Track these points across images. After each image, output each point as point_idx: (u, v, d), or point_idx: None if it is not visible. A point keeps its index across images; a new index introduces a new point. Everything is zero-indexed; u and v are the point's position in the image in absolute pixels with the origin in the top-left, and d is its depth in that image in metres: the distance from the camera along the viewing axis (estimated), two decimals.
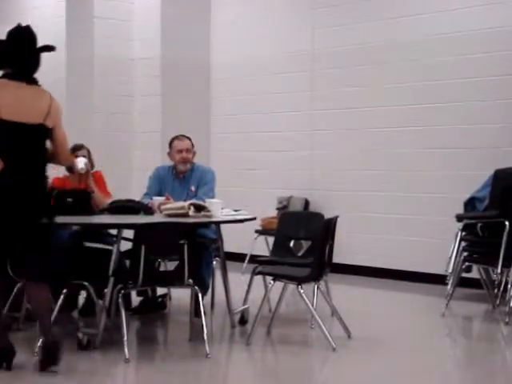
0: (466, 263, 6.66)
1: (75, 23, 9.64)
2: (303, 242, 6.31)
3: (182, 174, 6.48)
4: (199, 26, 9.82)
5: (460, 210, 6.97)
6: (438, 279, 7.19)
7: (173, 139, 6.54)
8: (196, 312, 5.48)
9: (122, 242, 5.47)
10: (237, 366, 5.34)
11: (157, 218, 5.78)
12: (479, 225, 6.61)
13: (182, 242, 5.15)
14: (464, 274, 6.82)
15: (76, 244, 6.07)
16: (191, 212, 5.62)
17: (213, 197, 6.23)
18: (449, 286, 6.69)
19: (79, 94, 9.64)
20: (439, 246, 7.37)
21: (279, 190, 9.04)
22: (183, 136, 6.54)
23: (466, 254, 6.67)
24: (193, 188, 6.41)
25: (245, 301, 6.04)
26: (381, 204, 8.29)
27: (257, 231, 8.51)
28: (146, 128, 9.67)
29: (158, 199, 6.09)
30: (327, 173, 8.77)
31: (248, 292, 6.00)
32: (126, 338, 5.00)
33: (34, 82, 4.88)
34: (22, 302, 5.66)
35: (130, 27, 9.67)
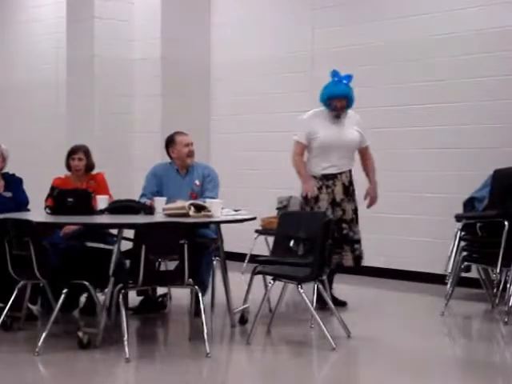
0: (466, 263, 6.67)
1: (75, 23, 9.65)
2: (303, 242, 6.31)
3: (186, 169, 6.53)
4: (199, 26, 9.83)
5: (460, 210, 6.98)
6: (438, 279, 7.20)
7: (173, 135, 6.59)
8: (196, 312, 5.50)
9: (123, 241, 5.49)
10: (237, 365, 5.36)
11: (157, 217, 5.79)
12: (478, 225, 6.62)
13: (181, 241, 5.16)
14: (463, 274, 6.83)
15: (76, 244, 6.09)
16: (191, 212, 5.64)
17: (216, 195, 6.29)
18: (448, 286, 6.70)
19: (80, 94, 9.65)
20: (439, 246, 7.38)
21: (279, 189, 9.03)
22: (182, 132, 6.62)
23: (465, 253, 6.68)
24: (197, 182, 6.47)
25: (245, 300, 6.05)
26: (381, 204, 8.28)
27: (257, 231, 8.51)
28: (146, 128, 9.67)
29: (159, 200, 6.09)
30: None
31: (248, 291, 6.01)
32: (126, 338, 5.02)
33: None
34: (22, 302, 5.68)
35: (130, 27, 9.67)
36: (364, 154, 6.86)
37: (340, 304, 6.58)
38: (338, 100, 6.57)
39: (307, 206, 6.62)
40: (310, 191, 6.55)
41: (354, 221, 6.63)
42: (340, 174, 6.62)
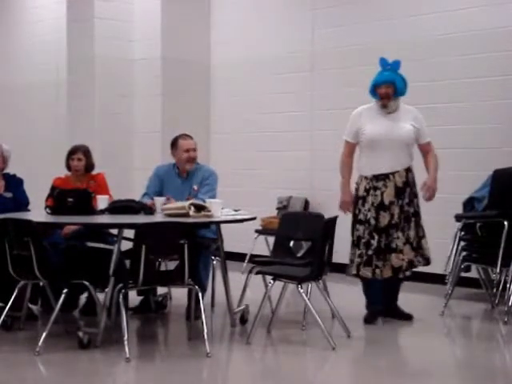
0: (465, 263, 6.68)
1: (76, 23, 9.66)
2: (303, 243, 6.32)
3: (186, 173, 6.50)
4: (199, 25, 9.84)
5: (460, 210, 6.98)
6: (438, 279, 7.21)
7: (177, 138, 6.55)
8: (195, 312, 5.51)
9: (123, 241, 5.49)
10: (237, 365, 5.36)
11: (157, 217, 5.80)
12: (478, 224, 6.63)
13: (181, 241, 5.16)
14: (463, 274, 6.83)
15: (76, 244, 6.10)
16: (191, 212, 5.64)
17: (213, 197, 6.26)
18: (448, 286, 6.71)
19: (80, 94, 9.66)
20: (439, 246, 7.36)
21: (279, 189, 9.05)
22: (186, 135, 6.57)
23: (464, 253, 6.69)
24: (195, 187, 6.45)
25: (240, 301, 6.05)
26: None
27: (257, 231, 8.52)
28: (146, 128, 9.68)
29: (159, 199, 6.10)
30: (327, 173, 8.76)
31: (244, 292, 6.02)
32: (126, 338, 5.02)
33: None
34: (23, 302, 5.68)
35: (131, 27, 9.68)
36: (424, 150, 6.24)
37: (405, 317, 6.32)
38: (382, 87, 6.09)
39: (350, 208, 6.18)
40: (344, 209, 6.14)
41: (403, 226, 6.06)
42: (393, 173, 6.02)
